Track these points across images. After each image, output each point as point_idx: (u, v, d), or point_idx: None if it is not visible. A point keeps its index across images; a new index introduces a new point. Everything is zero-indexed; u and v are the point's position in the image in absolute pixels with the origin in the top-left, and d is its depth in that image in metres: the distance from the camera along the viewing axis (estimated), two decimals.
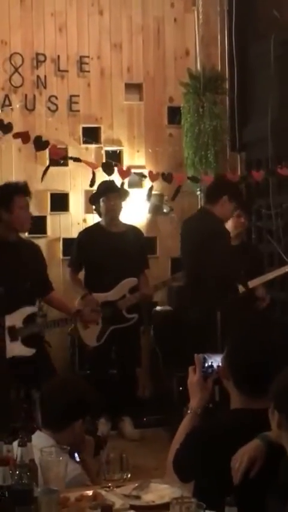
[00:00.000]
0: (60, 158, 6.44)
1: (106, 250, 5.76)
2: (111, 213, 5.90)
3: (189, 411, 2.88)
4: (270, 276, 5.61)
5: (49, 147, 6.27)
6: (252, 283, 5.56)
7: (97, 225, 6.09)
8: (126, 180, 6.65)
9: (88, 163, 6.49)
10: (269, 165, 6.70)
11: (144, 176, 6.58)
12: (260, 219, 6.81)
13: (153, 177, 6.72)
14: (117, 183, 6.34)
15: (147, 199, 6.81)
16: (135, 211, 6.78)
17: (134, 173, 6.59)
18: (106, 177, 6.41)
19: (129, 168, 6.67)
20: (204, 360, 2.90)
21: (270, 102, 6.51)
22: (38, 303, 5.32)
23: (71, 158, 6.48)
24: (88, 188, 6.56)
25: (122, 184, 6.50)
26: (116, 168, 6.45)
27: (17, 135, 6.25)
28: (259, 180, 6.73)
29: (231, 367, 2.73)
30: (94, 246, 5.87)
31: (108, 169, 6.46)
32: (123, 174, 6.59)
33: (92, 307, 5.67)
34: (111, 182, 6.11)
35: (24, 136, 6.22)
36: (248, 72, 7.14)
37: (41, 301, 5.42)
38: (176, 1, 7.26)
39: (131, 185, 6.78)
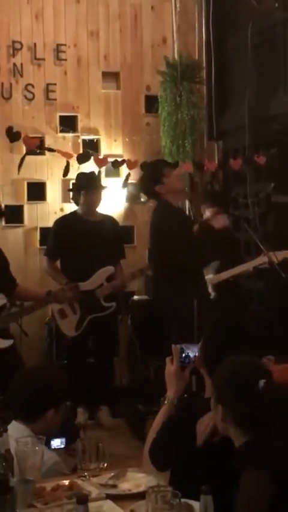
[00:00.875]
0: (34, 148, 6.41)
1: (83, 239, 5.75)
2: (90, 207, 5.90)
3: (166, 401, 2.88)
4: (241, 268, 5.61)
5: (22, 137, 6.24)
6: (223, 275, 5.57)
7: (74, 213, 6.06)
8: (103, 169, 6.64)
9: (62, 153, 6.47)
10: (246, 154, 6.72)
11: (122, 163, 6.57)
12: (237, 207, 6.82)
13: (131, 165, 6.72)
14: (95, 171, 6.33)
15: (123, 187, 6.80)
16: (112, 200, 6.77)
17: (113, 161, 6.57)
18: (82, 167, 6.40)
19: (106, 156, 6.66)
20: (182, 350, 2.91)
21: (247, 91, 6.52)
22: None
23: (46, 148, 6.46)
24: (65, 177, 6.55)
25: (99, 173, 6.48)
26: (92, 158, 6.43)
27: (10, 134, 6.25)
28: (236, 169, 6.75)
29: (206, 356, 2.74)
30: (71, 234, 5.85)
31: (83, 159, 6.44)
32: (100, 162, 6.58)
33: (74, 295, 5.66)
34: (92, 175, 6.09)
35: (15, 136, 6.22)
36: (226, 61, 7.15)
37: (11, 299, 5.34)
38: None
39: (107, 174, 6.77)
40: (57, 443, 3.45)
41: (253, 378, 2.35)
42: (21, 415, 2.99)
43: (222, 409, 2.39)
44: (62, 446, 3.46)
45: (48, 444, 3.08)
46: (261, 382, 2.32)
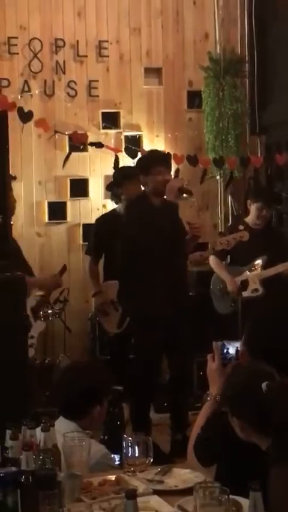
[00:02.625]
0: (81, 144, 6.43)
1: None
2: (132, 199, 5.86)
3: (208, 398, 2.88)
4: (278, 268, 5.55)
5: (70, 132, 6.29)
6: (265, 273, 5.53)
7: (113, 212, 6.06)
8: None
9: (111, 148, 6.47)
10: None
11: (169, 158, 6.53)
12: (280, 202, 6.76)
13: (178, 159, 6.68)
14: None
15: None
16: None
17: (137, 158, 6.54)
18: (126, 163, 6.41)
19: None
20: (223, 347, 2.90)
21: None
22: None
23: (93, 144, 6.47)
24: (108, 173, 6.56)
25: None
26: (139, 153, 6.43)
27: (37, 124, 6.27)
28: (281, 164, 6.68)
29: (250, 350, 2.74)
30: (112, 233, 5.85)
31: (131, 153, 6.44)
32: None
33: (100, 305, 5.85)
34: (132, 168, 6.08)
35: (44, 125, 6.24)
36: (268, 55, 7.08)
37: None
38: None
39: None
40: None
41: (255, 384, 2.36)
42: (67, 412, 3.00)
43: (238, 421, 2.41)
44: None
45: None
46: (264, 385, 2.33)
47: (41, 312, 5.28)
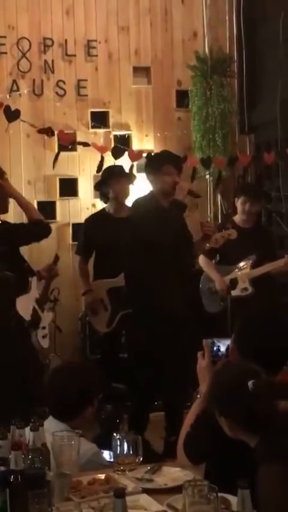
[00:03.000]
0: (68, 143, 6.43)
1: (113, 237, 5.72)
2: (120, 198, 5.86)
3: (198, 396, 2.89)
4: (276, 264, 5.56)
5: (56, 133, 6.29)
6: (254, 273, 5.54)
7: (102, 211, 6.06)
8: (134, 164, 6.63)
9: (97, 147, 6.48)
10: (278, 147, 6.67)
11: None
12: (269, 201, 6.78)
13: None
14: (126, 166, 6.32)
15: None
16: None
17: (147, 155, 6.55)
18: (113, 162, 6.41)
19: (140, 151, 6.65)
20: (213, 345, 2.91)
21: (279, 83, 6.47)
22: None
23: (80, 143, 6.48)
24: (98, 173, 6.57)
25: (131, 167, 6.47)
26: (126, 152, 6.43)
27: (43, 131, 6.28)
28: (269, 163, 6.70)
29: (240, 349, 2.74)
30: (101, 233, 5.85)
31: (117, 153, 6.44)
32: (134, 157, 6.57)
33: (90, 304, 5.84)
34: (120, 167, 6.08)
35: (48, 132, 6.28)
36: (257, 54, 7.10)
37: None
38: None
39: (139, 169, 6.76)
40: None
41: (241, 383, 2.37)
42: (59, 413, 3.00)
43: (226, 420, 2.42)
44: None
45: None
46: (250, 384, 2.34)
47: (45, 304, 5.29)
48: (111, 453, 2.74)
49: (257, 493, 2.14)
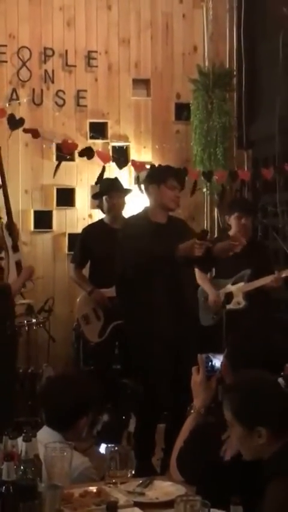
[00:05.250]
0: (71, 153, 6.41)
1: (109, 247, 5.72)
2: (114, 211, 5.90)
3: (192, 411, 2.88)
4: (270, 278, 5.56)
5: (61, 141, 6.30)
6: (243, 288, 5.54)
7: (101, 221, 6.08)
8: (140, 175, 6.60)
9: (100, 156, 6.43)
10: (276, 163, 6.69)
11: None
12: (266, 216, 6.80)
13: None
14: (125, 178, 6.34)
15: None
16: (142, 207, 6.74)
17: (151, 167, 6.54)
18: (112, 173, 6.42)
19: (142, 162, 6.63)
20: (208, 359, 2.90)
21: (278, 100, 6.50)
22: None
23: (83, 153, 6.46)
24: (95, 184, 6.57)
25: (138, 177, 6.45)
26: (130, 163, 6.43)
27: (27, 131, 6.25)
28: (268, 178, 6.72)
29: (232, 365, 2.74)
30: (97, 242, 5.86)
31: (120, 163, 6.43)
32: (138, 168, 6.55)
33: (100, 301, 5.74)
34: (115, 180, 6.10)
35: (34, 133, 6.23)
36: (256, 70, 7.13)
37: None
38: None
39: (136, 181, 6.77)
40: None
41: (273, 383, 2.36)
42: (54, 423, 2.99)
43: (266, 431, 2.34)
44: None
45: None
46: (281, 380, 2.33)
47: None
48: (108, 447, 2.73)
49: (264, 508, 2.12)
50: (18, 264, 5.07)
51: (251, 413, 2.36)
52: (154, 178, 5.00)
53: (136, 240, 4.69)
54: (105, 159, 6.40)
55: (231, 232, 5.76)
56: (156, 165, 6.66)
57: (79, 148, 6.49)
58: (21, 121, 6.15)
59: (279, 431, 2.33)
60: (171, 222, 4.95)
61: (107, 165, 6.41)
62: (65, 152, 6.38)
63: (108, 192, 5.90)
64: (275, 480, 2.20)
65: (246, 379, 2.45)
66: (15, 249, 5.09)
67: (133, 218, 5.07)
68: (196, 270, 5.68)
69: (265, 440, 2.33)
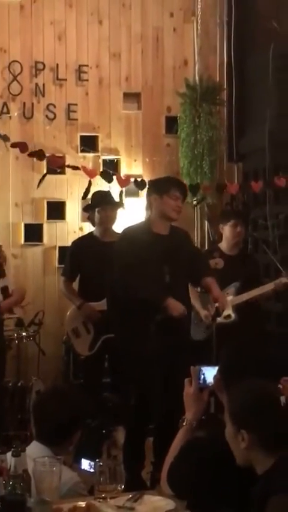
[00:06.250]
0: (58, 167, 6.43)
1: (99, 260, 5.71)
2: (105, 224, 5.88)
3: (184, 423, 2.86)
4: (261, 290, 5.57)
5: (47, 156, 6.29)
6: (237, 299, 5.54)
7: (90, 234, 6.06)
8: (123, 190, 6.63)
9: (86, 171, 6.47)
10: (266, 176, 6.72)
11: (145, 184, 6.52)
12: (256, 229, 6.81)
13: None
14: (115, 191, 6.34)
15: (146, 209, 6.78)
16: (132, 220, 6.75)
17: (134, 181, 6.56)
18: (102, 187, 6.42)
19: (128, 176, 6.66)
20: (200, 372, 2.89)
21: (268, 113, 6.53)
22: None
23: (70, 166, 6.48)
24: (82, 199, 6.56)
25: (121, 192, 6.48)
26: (114, 177, 6.44)
27: (15, 145, 6.26)
28: (257, 191, 6.74)
29: (224, 378, 2.73)
30: (87, 255, 5.85)
31: (107, 177, 6.45)
32: (122, 182, 6.58)
33: (90, 315, 5.71)
34: (107, 193, 6.10)
35: (22, 146, 6.23)
36: (246, 83, 7.16)
37: None
38: (176, 11, 7.28)
39: (128, 194, 6.78)
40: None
41: (275, 397, 2.36)
42: (46, 438, 2.97)
43: (248, 436, 2.36)
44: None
45: (78, 462, 3.07)
46: (283, 399, 2.33)
47: None
48: (91, 463, 2.71)
49: None
50: (4, 290, 5.06)
51: (241, 415, 2.40)
52: (157, 188, 4.99)
53: (128, 258, 4.71)
54: (91, 173, 6.42)
55: (222, 244, 5.78)
56: (145, 178, 6.69)
57: (70, 161, 6.51)
58: (6, 137, 6.17)
59: (271, 446, 2.33)
60: (174, 233, 4.94)
61: (97, 179, 6.41)
62: (52, 166, 6.40)
63: (101, 204, 5.88)
64: (273, 496, 2.19)
65: (255, 386, 2.46)
66: (1, 274, 5.08)
67: (132, 229, 5.05)
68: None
69: (246, 445, 2.35)
